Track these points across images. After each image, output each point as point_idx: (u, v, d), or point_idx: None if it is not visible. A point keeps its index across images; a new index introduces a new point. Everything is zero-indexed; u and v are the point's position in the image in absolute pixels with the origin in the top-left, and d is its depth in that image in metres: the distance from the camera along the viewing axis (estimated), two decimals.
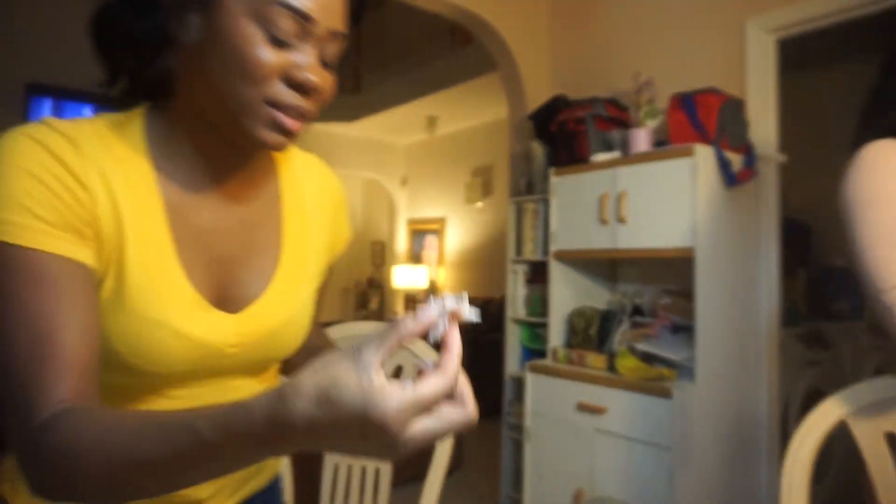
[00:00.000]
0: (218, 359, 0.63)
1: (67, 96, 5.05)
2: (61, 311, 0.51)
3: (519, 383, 2.66)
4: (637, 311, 2.33)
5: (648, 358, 2.06)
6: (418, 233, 6.67)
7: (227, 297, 0.64)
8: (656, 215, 2.01)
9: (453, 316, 0.43)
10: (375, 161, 6.71)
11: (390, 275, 6.50)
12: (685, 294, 2.11)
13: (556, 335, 2.42)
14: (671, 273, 2.30)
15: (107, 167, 0.56)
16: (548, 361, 2.36)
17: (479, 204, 6.00)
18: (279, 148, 0.59)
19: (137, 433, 0.46)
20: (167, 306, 0.59)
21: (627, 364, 2.04)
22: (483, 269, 5.96)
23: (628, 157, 2.12)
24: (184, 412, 0.46)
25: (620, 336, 2.21)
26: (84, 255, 0.54)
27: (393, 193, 7.00)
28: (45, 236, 0.52)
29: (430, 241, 6.50)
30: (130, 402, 0.63)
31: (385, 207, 7.35)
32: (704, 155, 1.91)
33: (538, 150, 2.54)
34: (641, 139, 2.13)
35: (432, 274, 6.39)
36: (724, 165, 1.93)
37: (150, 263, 0.58)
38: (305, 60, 0.56)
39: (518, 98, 2.90)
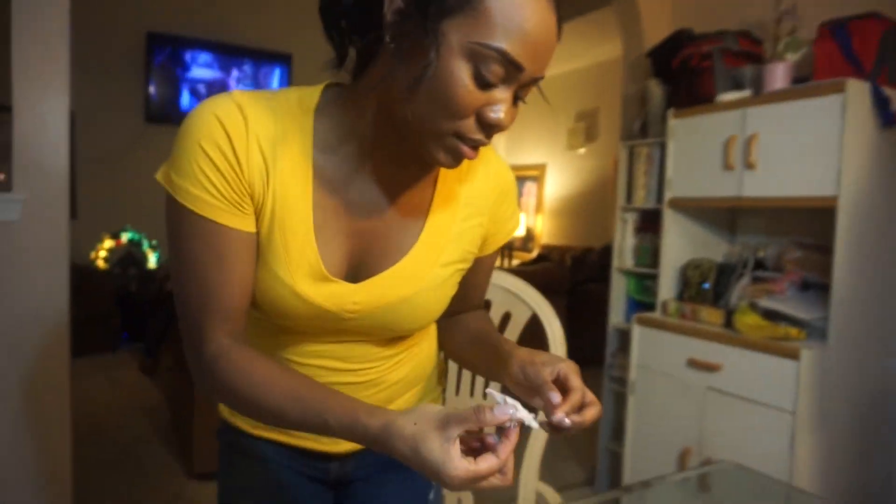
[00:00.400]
0: (336, 321, 0.72)
1: (184, 45, 5.30)
2: (223, 271, 0.64)
3: (623, 335, 2.57)
4: (759, 265, 2.16)
5: (772, 315, 1.91)
6: (517, 179, 6.56)
7: (357, 266, 0.71)
8: (792, 161, 1.81)
9: (518, 422, 0.56)
10: None
11: None
12: (820, 248, 1.92)
13: (666, 287, 2.30)
14: (803, 224, 2.10)
15: (270, 141, 0.64)
16: (656, 314, 2.26)
17: (582, 150, 5.77)
18: (451, 167, 0.64)
19: (279, 405, 0.61)
20: (292, 269, 0.67)
21: (748, 321, 1.90)
22: (583, 218, 5.79)
23: (762, 96, 1.91)
24: (319, 398, 0.60)
25: (740, 291, 2.06)
26: (243, 223, 0.65)
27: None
28: (213, 208, 0.63)
29: (529, 187, 6.37)
30: (274, 338, 0.77)
31: None
32: (857, 91, 1.68)
33: (656, 89, 2.35)
34: (779, 75, 1.91)
35: (530, 221, 6.29)
36: (881, 103, 1.69)
37: (288, 228, 0.66)
38: (502, 102, 0.59)
39: (634, 34, 2.69)
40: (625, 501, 1.22)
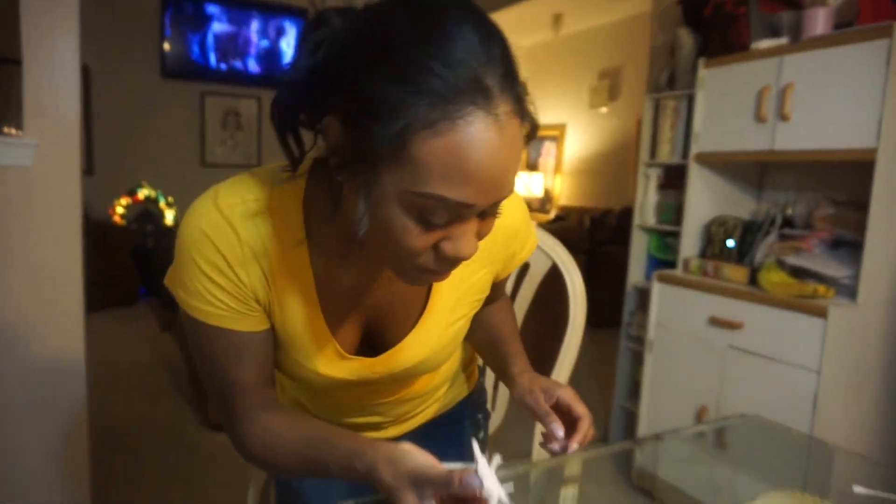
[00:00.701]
0: (360, 385, 0.77)
1: None
2: (242, 365, 0.68)
3: (642, 294, 2.53)
4: (786, 223, 2.09)
5: (800, 273, 1.85)
6: (535, 139, 6.43)
7: (372, 341, 0.75)
8: (829, 111, 1.73)
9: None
10: None
11: None
12: (853, 204, 1.84)
13: (689, 245, 2.24)
14: (835, 180, 2.01)
15: (263, 247, 0.64)
16: (678, 272, 2.21)
17: (604, 109, 5.63)
18: (425, 284, 0.70)
19: (299, 468, 0.66)
20: (311, 354, 0.71)
21: (774, 278, 1.85)
22: (603, 179, 5.68)
23: (800, 43, 1.81)
24: (324, 454, 0.63)
25: (766, 249, 2.00)
26: (253, 325, 0.67)
27: None
28: (222, 318, 0.65)
29: (548, 147, 6.25)
30: (307, 393, 0.86)
31: None
32: None
33: (686, 38, 2.25)
34: (819, 20, 1.80)
35: (548, 182, 6.20)
36: None
37: (299, 321, 0.69)
38: (460, 235, 0.55)
39: None
40: (639, 454, 1.20)
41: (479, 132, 0.49)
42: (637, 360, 2.59)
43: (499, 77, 0.50)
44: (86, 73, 4.90)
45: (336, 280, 0.69)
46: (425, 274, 0.58)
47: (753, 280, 1.95)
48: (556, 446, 0.72)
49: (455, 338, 0.79)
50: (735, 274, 1.99)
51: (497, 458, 0.54)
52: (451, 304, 0.75)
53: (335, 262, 0.68)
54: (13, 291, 1.57)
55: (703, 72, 2.10)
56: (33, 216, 1.59)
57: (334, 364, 0.72)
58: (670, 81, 2.38)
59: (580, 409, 0.73)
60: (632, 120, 5.25)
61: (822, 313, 1.65)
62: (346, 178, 0.54)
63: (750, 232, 2.12)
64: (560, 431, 0.72)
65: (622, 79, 5.45)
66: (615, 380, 2.66)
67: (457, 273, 0.71)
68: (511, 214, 0.75)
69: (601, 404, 2.94)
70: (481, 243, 0.60)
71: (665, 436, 1.18)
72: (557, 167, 6.14)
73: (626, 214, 4.66)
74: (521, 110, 0.53)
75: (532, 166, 6.39)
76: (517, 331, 0.93)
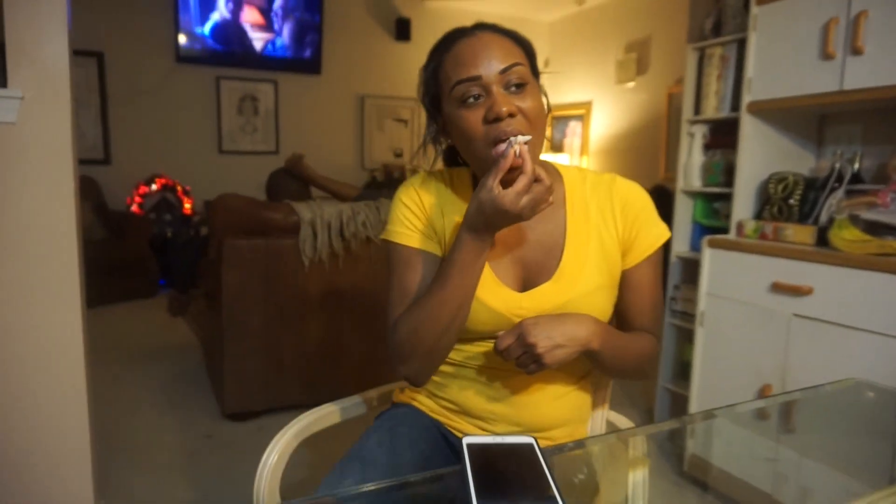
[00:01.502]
0: (507, 325, 0.87)
1: None
2: (415, 281, 0.91)
3: (688, 265, 2.32)
4: (854, 178, 1.86)
5: (876, 229, 1.63)
6: (560, 119, 6.19)
7: (525, 282, 0.91)
8: None
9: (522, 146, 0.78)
10: None
11: None
12: None
13: (742, 207, 2.02)
14: None
15: (443, 200, 0.95)
16: (730, 236, 1.99)
17: (631, 84, 5.37)
18: (503, 155, 0.79)
19: (430, 305, 0.85)
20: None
21: (846, 236, 1.63)
22: (633, 157, 5.44)
23: None
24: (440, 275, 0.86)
25: (834, 206, 1.78)
26: (428, 246, 0.93)
27: None
28: (408, 238, 0.93)
29: (573, 127, 6.02)
30: (463, 364, 0.96)
31: None
32: None
33: None
34: None
35: (574, 163, 5.96)
36: None
37: None
38: (492, 101, 0.81)
39: None
40: (689, 436, 1.00)
41: (463, 41, 0.85)
42: (683, 336, 2.38)
43: (474, 27, 0.88)
44: (100, 59, 4.81)
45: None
46: (497, 144, 0.81)
47: (822, 240, 1.73)
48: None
49: (593, 295, 0.89)
50: (800, 234, 1.78)
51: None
52: (582, 258, 0.90)
53: None
54: (1, 265, 1.43)
55: (756, 10, 1.88)
56: (21, 178, 1.44)
57: (490, 291, 0.88)
58: (716, 28, 2.16)
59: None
60: (662, 94, 5.00)
61: None
62: (445, 130, 0.92)
63: (812, 189, 1.90)
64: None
65: (650, 51, 5.19)
66: (659, 359, 2.45)
67: (582, 227, 0.91)
68: (629, 190, 0.94)
69: (642, 388, 2.73)
70: (603, 212, 0.92)
71: (719, 412, 0.98)
72: (584, 147, 5.90)
73: (658, 192, 4.42)
74: (500, 31, 0.87)
75: (557, 148, 6.16)
76: (627, 335, 0.93)
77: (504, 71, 0.81)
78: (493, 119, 0.79)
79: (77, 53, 4.70)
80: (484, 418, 0.94)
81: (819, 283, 1.65)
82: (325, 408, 1.06)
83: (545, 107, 0.86)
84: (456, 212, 0.92)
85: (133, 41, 4.90)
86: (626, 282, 0.93)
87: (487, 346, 0.91)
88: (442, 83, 0.86)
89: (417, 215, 0.92)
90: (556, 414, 0.94)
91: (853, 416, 0.91)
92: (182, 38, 5.01)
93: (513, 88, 0.81)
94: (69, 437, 1.56)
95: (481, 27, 0.86)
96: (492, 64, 0.81)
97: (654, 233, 0.92)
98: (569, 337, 0.80)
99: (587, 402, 1.02)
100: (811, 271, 1.66)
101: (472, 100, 0.81)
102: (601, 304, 0.90)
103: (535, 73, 0.88)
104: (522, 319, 0.83)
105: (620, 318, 0.95)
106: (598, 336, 0.82)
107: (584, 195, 0.93)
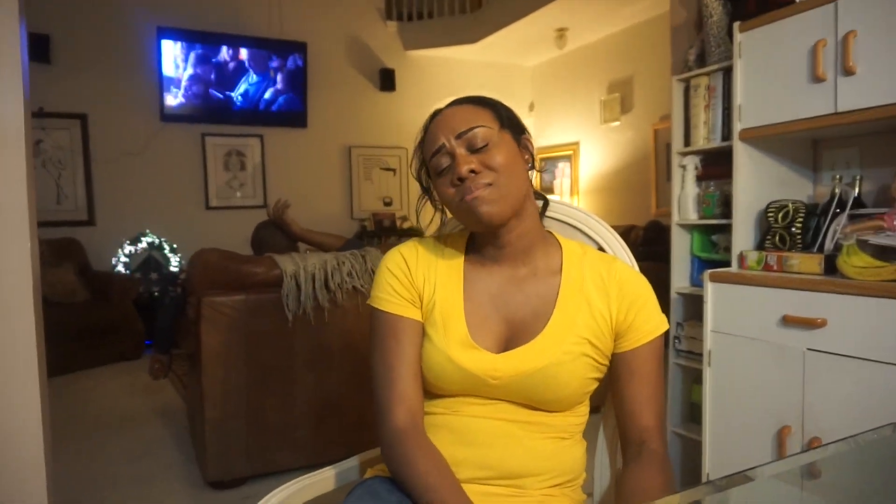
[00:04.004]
0: (483, 386, 0.89)
1: (194, 39, 5.12)
2: (399, 353, 0.93)
3: (690, 301, 2.22)
4: (855, 203, 1.78)
5: (887, 254, 1.54)
6: (548, 161, 6.19)
7: (507, 343, 0.91)
8: None
9: None
10: (500, 86, 6.26)
11: None
12: None
13: (741, 237, 1.93)
14: None
15: (433, 265, 0.97)
16: (732, 269, 1.90)
17: (617, 123, 5.39)
18: (484, 214, 0.86)
19: (419, 493, 0.84)
20: (448, 339, 0.90)
21: (856, 262, 1.54)
22: (623, 195, 5.41)
23: None
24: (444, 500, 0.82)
25: (841, 231, 1.69)
26: (413, 314, 0.95)
27: None
28: (393, 305, 0.95)
29: (562, 168, 6.01)
30: (438, 413, 0.94)
31: None
32: None
33: (715, 5, 2.00)
34: None
35: (566, 201, 5.93)
36: None
37: (446, 314, 0.92)
38: (456, 165, 0.88)
39: None
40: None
41: (435, 120, 0.94)
42: (690, 376, 2.26)
43: (449, 104, 0.95)
44: (83, 121, 4.80)
45: (477, 287, 0.94)
46: (469, 201, 0.86)
47: (830, 269, 1.64)
48: None
49: (573, 364, 0.88)
50: (807, 263, 1.68)
51: None
52: (570, 322, 0.90)
53: (481, 275, 0.95)
54: None
55: (739, 37, 1.84)
56: None
57: (464, 352, 0.88)
58: (700, 58, 2.13)
59: None
60: (648, 131, 5.01)
61: None
62: (437, 197, 0.97)
63: (814, 216, 1.82)
64: None
65: (633, 90, 5.24)
66: (667, 403, 2.32)
67: (575, 295, 0.92)
68: (630, 274, 0.94)
69: None
70: (598, 290, 0.92)
71: (756, 473, 0.84)
72: (574, 187, 5.88)
73: (653, 228, 4.36)
74: (468, 100, 0.94)
75: (547, 190, 6.13)
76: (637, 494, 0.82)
77: (460, 135, 0.87)
78: (458, 180, 0.86)
79: (60, 116, 4.70)
80: (452, 464, 0.89)
81: (832, 314, 1.54)
82: (317, 474, 1.03)
83: (525, 156, 0.92)
84: (443, 280, 0.94)
85: (117, 101, 4.90)
86: (625, 366, 0.90)
87: (462, 399, 0.91)
88: (425, 161, 0.94)
89: (402, 282, 0.95)
90: (527, 462, 0.89)
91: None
92: (167, 98, 5.02)
93: (476, 149, 0.87)
94: None
95: (454, 102, 0.93)
96: (453, 131, 0.88)
97: (654, 320, 0.91)
98: None
99: (574, 455, 0.95)
100: (823, 302, 1.56)
101: (444, 169, 0.88)
102: (581, 373, 0.89)
103: (512, 127, 0.92)
104: None
105: (621, 413, 0.91)
106: None
107: (581, 267, 0.94)
